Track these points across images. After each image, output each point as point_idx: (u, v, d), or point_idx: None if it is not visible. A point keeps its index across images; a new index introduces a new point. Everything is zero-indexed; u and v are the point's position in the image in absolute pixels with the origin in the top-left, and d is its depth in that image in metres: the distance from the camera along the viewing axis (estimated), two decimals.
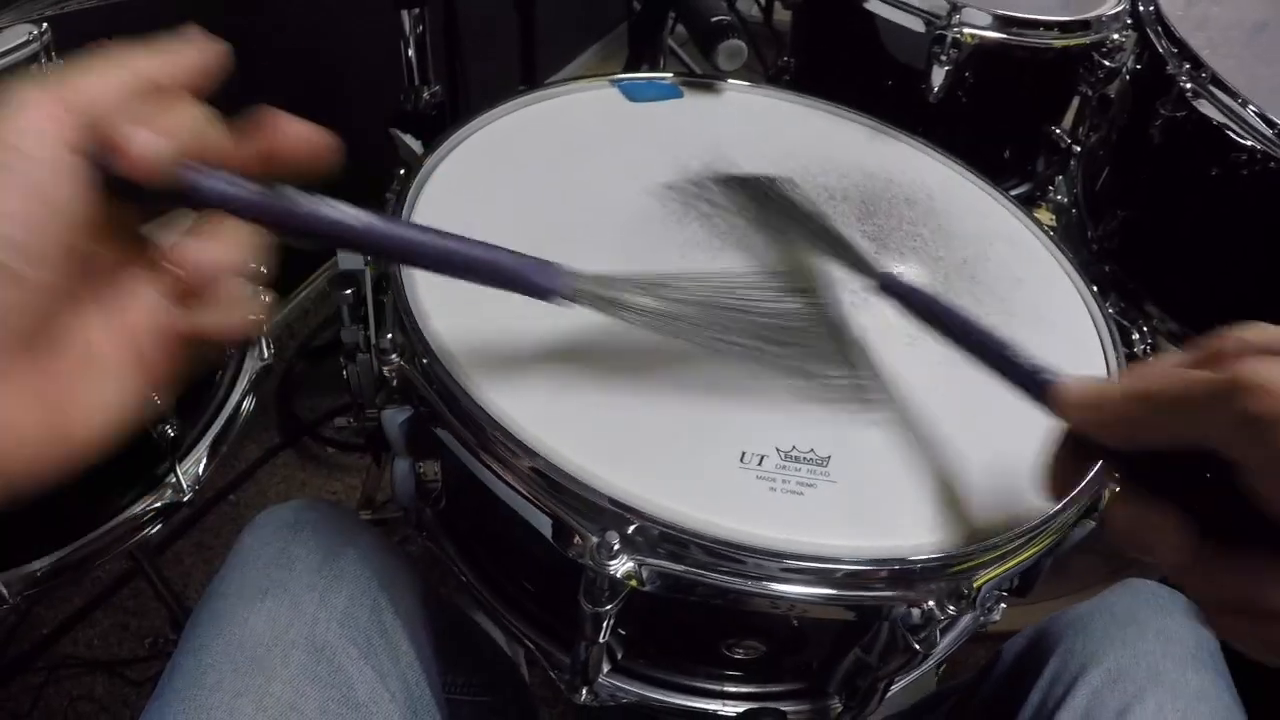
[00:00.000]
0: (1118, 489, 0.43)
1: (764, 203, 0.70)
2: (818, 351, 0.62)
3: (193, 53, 0.41)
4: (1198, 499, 0.40)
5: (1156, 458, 0.41)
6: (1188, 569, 0.40)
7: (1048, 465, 0.47)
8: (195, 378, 0.94)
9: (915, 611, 0.57)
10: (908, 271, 0.75)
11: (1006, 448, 0.63)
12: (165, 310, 0.41)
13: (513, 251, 0.49)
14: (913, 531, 0.58)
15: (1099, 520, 0.64)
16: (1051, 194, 1.35)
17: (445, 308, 0.64)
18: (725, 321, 0.57)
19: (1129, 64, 1.21)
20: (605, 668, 0.67)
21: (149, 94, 0.39)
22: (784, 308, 0.61)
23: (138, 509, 0.91)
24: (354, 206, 0.44)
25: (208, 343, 0.42)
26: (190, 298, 0.41)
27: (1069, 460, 0.46)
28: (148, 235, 0.42)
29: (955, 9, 1.09)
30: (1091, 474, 0.62)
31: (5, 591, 0.85)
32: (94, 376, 0.39)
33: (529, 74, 1.62)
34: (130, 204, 0.40)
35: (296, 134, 0.42)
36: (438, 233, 0.47)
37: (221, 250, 0.40)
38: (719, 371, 0.63)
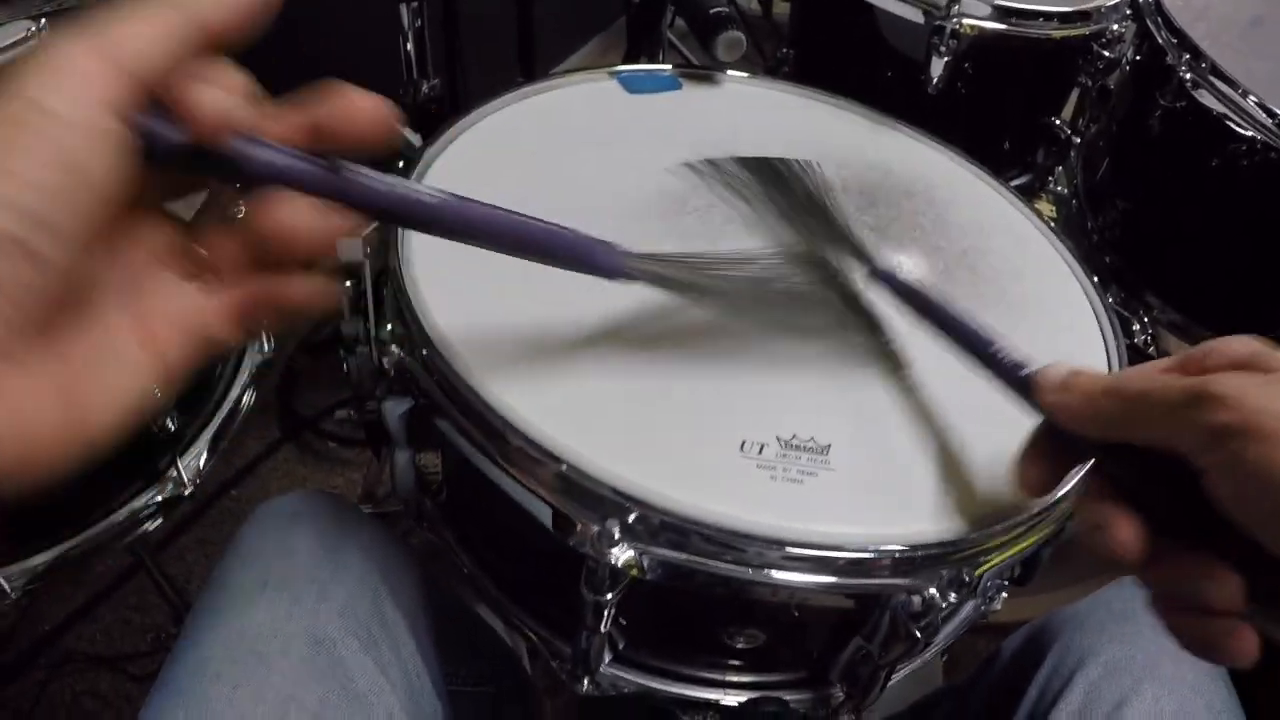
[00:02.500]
0: (1089, 488, 0.45)
1: (773, 185, 0.70)
2: (841, 319, 0.65)
3: None
4: (1158, 498, 0.42)
5: (1124, 454, 0.43)
6: (1142, 565, 0.42)
7: (1022, 460, 0.49)
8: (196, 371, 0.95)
9: (916, 599, 0.57)
10: (907, 262, 0.75)
11: (1007, 435, 0.63)
12: (187, 296, 0.39)
13: (574, 231, 0.50)
14: (913, 519, 0.58)
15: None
16: (1052, 185, 1.35)
17: (445, 300, 0.64)
18: (757, 295, 0.59)
19: (1129, 55, 1.21)
20: (607, 657, 0.67)
21: (199, 46, 0.36)
22: (805, 283, 0.63)
23: (139, 503, 0.91)
24: (419, 182, 0.44)
25: (294, 310, 0.41)
26: (273, 265, 0.39)
27: (1045, 456, 0.48)
28: (172, 212, 0.41)
29: (954, 0, 1.09)
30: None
31: (6, 586, 0.85)
32: (111, 364, 0.37)
33: (528, 67, 1.62)
34: (171, 175, 0.38)
35: (363, 106, 0.40)
36: (506, 211, 0.47)
37: (309, 215, 0.39)
38: (719, 359, 0.64)
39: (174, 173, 0.37)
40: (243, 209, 0.40)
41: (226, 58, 0.37)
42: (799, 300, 0.62)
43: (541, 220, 0.48)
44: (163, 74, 0.35)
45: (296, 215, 0.39)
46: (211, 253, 0.40)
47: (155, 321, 0.39)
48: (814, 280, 0.64)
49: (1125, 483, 0.43)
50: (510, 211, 0.47)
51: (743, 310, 0.60)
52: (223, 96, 0.36)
